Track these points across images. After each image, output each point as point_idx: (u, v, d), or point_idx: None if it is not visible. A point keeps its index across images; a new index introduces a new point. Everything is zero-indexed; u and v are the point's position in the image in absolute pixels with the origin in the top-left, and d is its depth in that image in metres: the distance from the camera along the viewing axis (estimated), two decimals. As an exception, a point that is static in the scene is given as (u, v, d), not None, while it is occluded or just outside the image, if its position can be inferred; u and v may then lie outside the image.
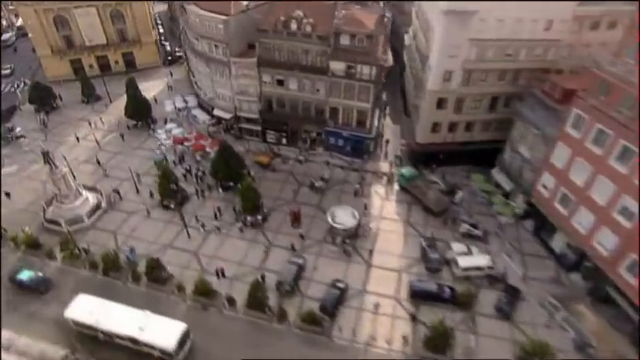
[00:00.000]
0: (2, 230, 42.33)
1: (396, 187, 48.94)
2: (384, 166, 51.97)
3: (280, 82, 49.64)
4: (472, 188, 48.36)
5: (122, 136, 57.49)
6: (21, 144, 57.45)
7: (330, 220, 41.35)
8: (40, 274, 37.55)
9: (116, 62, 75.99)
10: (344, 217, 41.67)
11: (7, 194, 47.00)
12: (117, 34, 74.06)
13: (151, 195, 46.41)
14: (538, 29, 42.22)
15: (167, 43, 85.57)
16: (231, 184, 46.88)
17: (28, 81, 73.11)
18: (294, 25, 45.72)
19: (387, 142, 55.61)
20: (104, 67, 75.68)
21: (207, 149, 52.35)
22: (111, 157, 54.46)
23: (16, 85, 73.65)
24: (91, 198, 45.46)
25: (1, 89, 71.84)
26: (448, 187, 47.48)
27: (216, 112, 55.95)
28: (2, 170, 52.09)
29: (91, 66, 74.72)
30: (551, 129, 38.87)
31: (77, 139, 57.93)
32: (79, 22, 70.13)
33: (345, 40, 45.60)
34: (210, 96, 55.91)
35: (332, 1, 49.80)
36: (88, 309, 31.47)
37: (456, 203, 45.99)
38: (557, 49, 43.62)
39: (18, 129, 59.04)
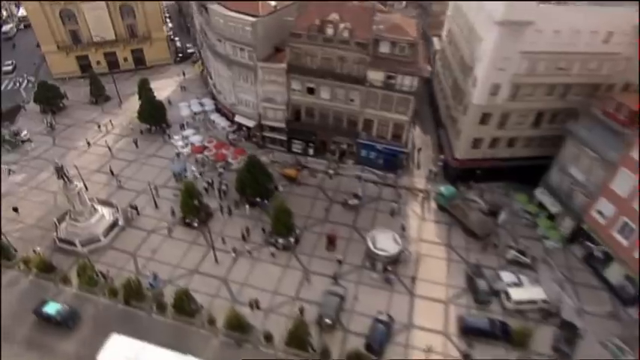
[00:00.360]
0: (12, 250, 38.97)
1: (433, 205, 46.06)
2: (419, 182, 48.93)
3: (311, 91, 46.19)
4: (514, 208, 45.50)
5: (136, 142, 53.70)
6: (27, 149, 53.70)
7: (370, 245, 38.32)
8: (67, 306, 33.99)
9: (125, 59, 71.86)
10: (385, 242, 38.64)
11: (15, 209, 43.38)
12: (126, 30, 69.87)
13: (173, 213, 42.94)
14: (596, 41, 39.16)
15: (177, 39, 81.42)
16: (259, 199, 43.72)
17: (31, 78, 68.99)
18: (330, 30, 42.18)
19: (420, 150, 52.61)
20: (112, 64, 71.52)
21: (230, 160, 48.97)
22: (125, 165, 50.82)
23: (18, 83, 69.45)
24: (107, 214, 42.03)
25: (3, 87, 67.72)
26: (490, 207, 44.63)
27: (237, 118, 52.40)
28: (9, 179, 48.48)
29: (98, 63, 70.63)
30: (612, 153, 36.00)
31: (88, 143, 54.20)
32: (87, 16, 65.90)
33: (384, 48, 42.22)
34: (231, 101, 52.29)
35: (366, 1, 46.53)
36: (124, 353, 28.11)
37: (500, 225, 43.26)
38: (613, 62, 40.69)
39: (24, 132, 55.13)
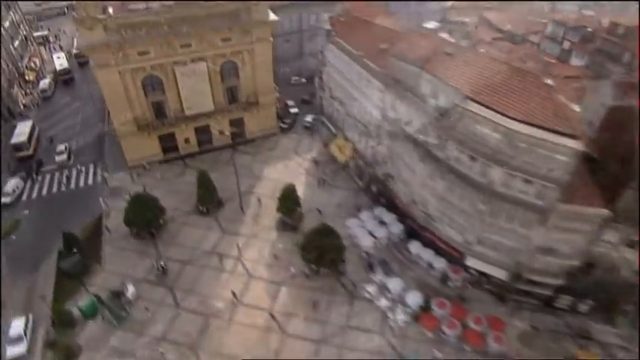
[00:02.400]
0: None
1: None
2: None
3: (632, 243, 29.63)
4: None
5: (315, 304, 35.01)
6: (141, 320, 34.28)
7: None
8: None
9: (221, 133, 52.23)
10: None
11: None
12: (225, 95, 50.24)
13: None
14: None
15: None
16: None
17: (106, 174, 47.76)
18: None
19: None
20: (204, 141, 51.93)
21: (493, 343, 31.73)
22: (311, 351, 32.33)
23: (81, 177, 48.35)
24: None
25: (64, 188, 46.63)
26: None
27: (471, 262, 34.98)
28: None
29: (187, 141, 50.79)
30: None
31: (234, 295, 35.47)
32: (181, 83, 45.91)
33: None
34: (464, 239, 34.72)
35: None
36: None
37: None
38: None
39: (130, 289, 35.40)
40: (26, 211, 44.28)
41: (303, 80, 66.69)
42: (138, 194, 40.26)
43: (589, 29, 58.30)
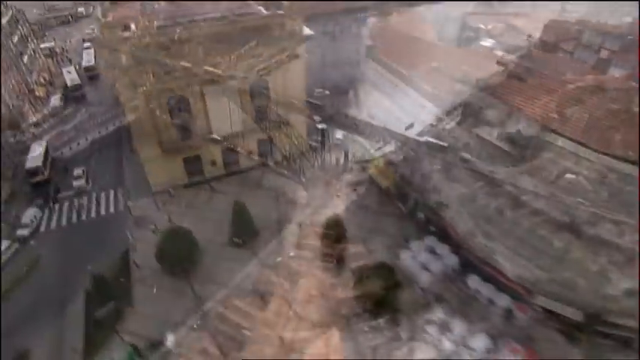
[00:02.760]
0: None
1: None
2: None
3: None
4: None
5: (374, 350, 32.31)
6: (185, 374, 31.40)
7: None
8: None
9: (249, 154, 49.23)
10: None
11: None
12: (255, 114, 47.21)
13: None
14: None
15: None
16: None
17: (130, 203, 44.41)
18: None
19: None
20: (230, 163, 48.94)
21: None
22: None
23: (102, 204, 45.05)
24: None
25: (85, 217, 43.28)
26: None
27: (542, 301, 32.22)
28: None
29: (213, 163, 47.74)
30: None
31: (282, 341, 32.46)
32: (209, 103, 42.90)
33: None
34: (534, 276, 31.95)
35: None
36: None
37: None
38: None
39: (169, 338, 32.26)
40: (32, 242, 41.33)
41: (327, 92, 63.61)
42: (171, 229, 37.26)
43: (630, 37, 55.93)
